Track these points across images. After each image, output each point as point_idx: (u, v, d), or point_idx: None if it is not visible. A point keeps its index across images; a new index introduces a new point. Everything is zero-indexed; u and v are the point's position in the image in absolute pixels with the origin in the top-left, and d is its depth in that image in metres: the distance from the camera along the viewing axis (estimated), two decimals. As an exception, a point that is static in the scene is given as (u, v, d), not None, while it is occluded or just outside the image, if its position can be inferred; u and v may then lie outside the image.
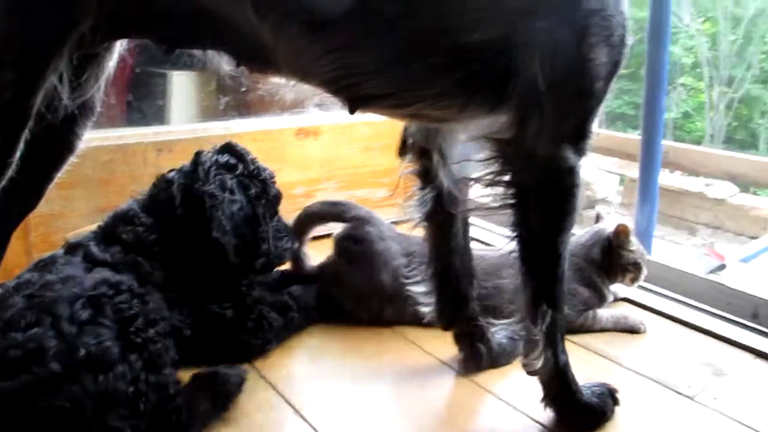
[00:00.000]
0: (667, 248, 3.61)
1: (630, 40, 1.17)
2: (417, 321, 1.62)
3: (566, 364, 1.30)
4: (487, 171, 1.22)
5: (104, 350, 1.11)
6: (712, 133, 11.05)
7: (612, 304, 1.83)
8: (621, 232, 1.72)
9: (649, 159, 2.48)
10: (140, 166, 1.97)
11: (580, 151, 1.18)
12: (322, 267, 1.78)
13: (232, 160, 1.56)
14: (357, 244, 1.73)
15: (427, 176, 1.44)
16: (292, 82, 1.23)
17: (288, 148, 2.25)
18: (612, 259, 1.72)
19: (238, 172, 1.55)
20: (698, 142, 11.03)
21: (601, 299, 1.74)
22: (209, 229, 1.45)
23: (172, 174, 1.54)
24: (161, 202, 1.50)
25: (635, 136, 6.53)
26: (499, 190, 1.22)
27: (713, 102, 10.97)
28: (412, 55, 1.09)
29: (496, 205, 1.24)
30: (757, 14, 10.63)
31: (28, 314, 1.12)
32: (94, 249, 1.38)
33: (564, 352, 1.29)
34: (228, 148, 1.59)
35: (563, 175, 1.16)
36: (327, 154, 2.32)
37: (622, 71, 1.22)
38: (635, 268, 1.73)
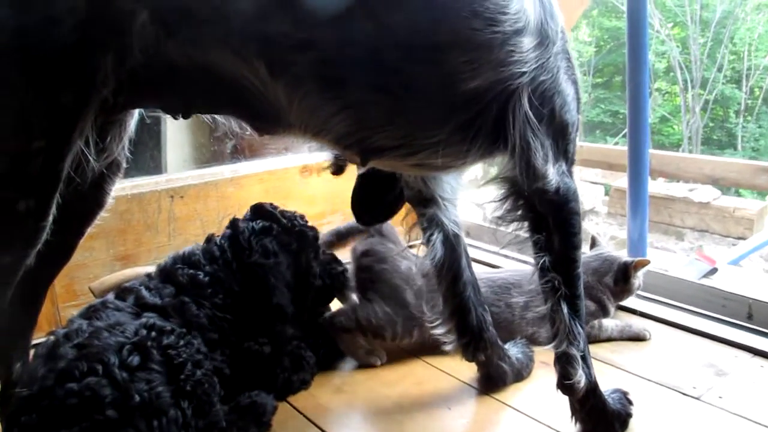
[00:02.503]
0: (658, 255, 3.71)
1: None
2: (436, 344, 1.66)
3: (595, 378, 1.38)
4: (505, 209, 1.33)
5: (156, 396, 1.18)
6: (689, 136, 11.25)
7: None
8: (642, 266, 1.85)
9: (637, 168, 2.54)
10: (155, 214, 2.05)
11: (572, 174, 1.31)
12: (329, 320, 1.75)
13: (266, 223, 1.67)
14: (380, 263, 1.76)
15: (431, 221, 1.55)
16: (301, 140, 1.29)
17: (294, 186, 2.34)
18: (624, 286, 1.86)
19: (274, 233, 1.66)
20: (677, 146, 11.22)
21: (604, 313, 1.85)
22: (266, 292, 1.58)
23: (226, 233, 1.65)
24: (216, 257, 1.61)
25: (617, 147, 6.66)
26: (522, 223, 1.33)
27: (689, 105, 11.19)
28: (421, 105, 1.18)
29: (524, 236, 1.34)
30: (724, 16, 10.89)
31: (80, 364, 1.18)
32: (145, 293, 1.46)
33: (591, 366, 1.37)
34: (258, 211, 1.71)
35: (570, 198, 1.28)
36: (331, 189, 2.41)
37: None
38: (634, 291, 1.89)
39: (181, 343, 1.30)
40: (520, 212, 1.32)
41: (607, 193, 6.60)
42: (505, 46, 1.15)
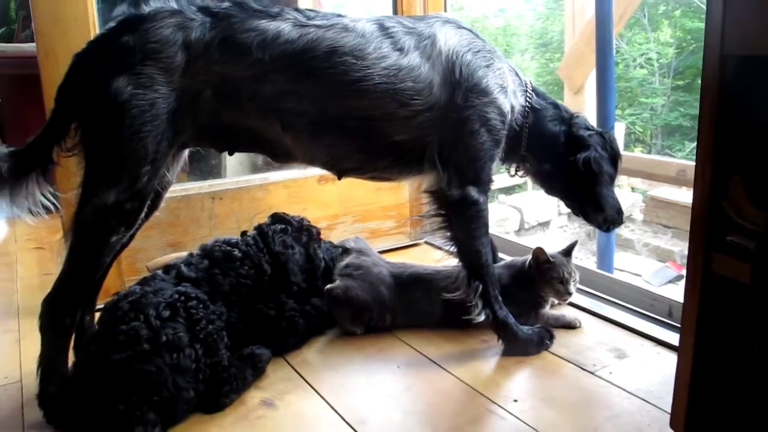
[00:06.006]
0: (637, 261, 4.05)
1: (508, 118, 1.90)
2: (404, 326, 2.25)
3: (505, 316, 2.00)
4: (428, 209, 2.01)
5: (178, 338, 1.73)
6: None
7: (556, 307, 2.37)
8: (536, 254, 2.24)
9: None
10: (198, 211, 2.63)
11: (481, 189, 1.92)
12: (329, 290, 2.26)
13: (282, 225, 2.29)
14: (357, 270, 2.29)
15: None
16: (303, 165, 2.02)
17: (312, 192, 2.89)
18: (532, 272, 2.25)
19: (290, 232, 2.28)
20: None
21: (536, 301, 2.26)
22: (286, 273, 2.19)
23: (253, 233, 2.26)
24: (250, 243, 2.20)
25: (656, 157, 6.80)
26: (436, 219, 1.99)
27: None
28: (367, 147, 1.87)
29: (436, 227, 2.01)
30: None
31: (129, 313, 1.74)
32: (184, 268, 2.03)
33: (501, 308, 1.99)
34: (277, 218, 2.33)
35: (470, 206, 1.91)
36: (343, 195, 2.94)
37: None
38: (556, 280, 2.21)
39: (201, 306, 1.85)
40: (436, 212, 1.98)
41: (644, 200, 6.74)
42: (417, 117, 1.82)
